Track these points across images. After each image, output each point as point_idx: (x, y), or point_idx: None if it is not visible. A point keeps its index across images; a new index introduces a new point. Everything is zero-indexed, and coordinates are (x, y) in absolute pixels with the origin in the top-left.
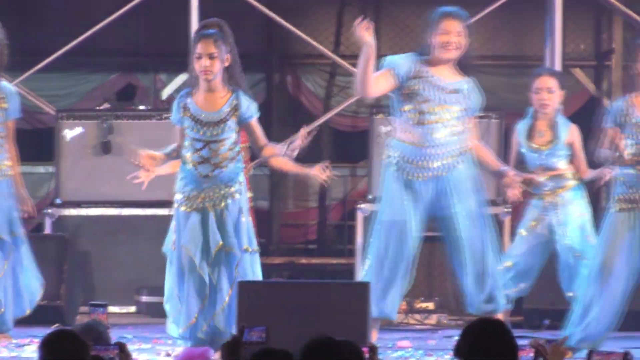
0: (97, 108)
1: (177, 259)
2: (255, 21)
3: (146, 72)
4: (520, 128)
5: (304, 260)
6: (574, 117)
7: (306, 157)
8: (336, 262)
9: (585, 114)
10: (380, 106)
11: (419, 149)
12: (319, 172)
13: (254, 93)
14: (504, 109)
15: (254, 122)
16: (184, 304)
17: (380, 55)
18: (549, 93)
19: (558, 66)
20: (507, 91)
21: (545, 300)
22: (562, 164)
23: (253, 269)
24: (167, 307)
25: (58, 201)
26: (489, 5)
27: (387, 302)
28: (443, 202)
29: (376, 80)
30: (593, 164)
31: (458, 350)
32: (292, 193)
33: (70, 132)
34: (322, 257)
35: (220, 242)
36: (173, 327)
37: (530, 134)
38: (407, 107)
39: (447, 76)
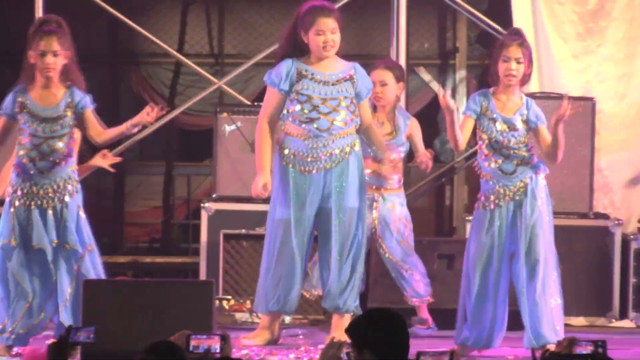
0: None
1: (19, 254)
2: (100, 20)
3: None
4: None
5: (148, 259)
6: (418, 116)
7: (152, 155)
8: (181, 260)
9: (430, 113)
10: (224, 105)
11: (309, 142)
12: (101, 161)
13: (99, 92)
14: None
15: (90, 111)
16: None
17: (225, 55)
18: (381, 86)
19: (402, 64)
20: None
21: (389, 299)
22: (394, 159)
23: (94, 266)
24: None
25: None
26: (334, 3)
27: (284, 298)
28: (327, 196)
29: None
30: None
31: (350, 330)
32: (137, 192)
33: None
34: (166, 256)
35: (56, 241)
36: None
37: None
38: (296, 107)
39: (328, 68)
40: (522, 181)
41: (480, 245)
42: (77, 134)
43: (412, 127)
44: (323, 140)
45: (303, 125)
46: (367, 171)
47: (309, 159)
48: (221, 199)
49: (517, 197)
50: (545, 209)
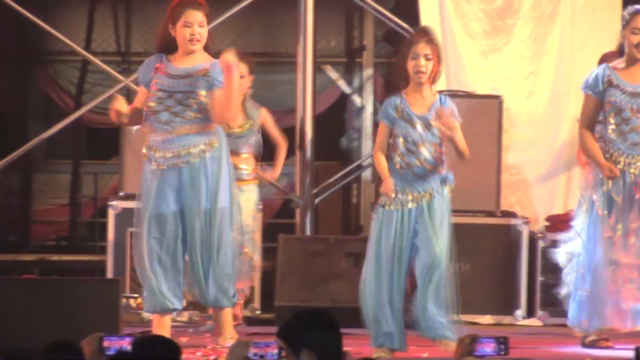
0: None
1: None
2: (7, 18)
3: None
4: None
5: (55, 257)
6: (325, 114)
7: (59, 153)
8: (88, 259)
9: (336, 111)
10: (131, 103)
11: (167, 139)
12: None
13: (6, 90)
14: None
15: None
16: None
17: (132, 53)
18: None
19: (309, 63)
20: (259, 88)
21: (297, 297)
22: (248, 151)
23: None
24: None
25: None
26: (241, 2)
27: (167, 294)
28: (185, 194)
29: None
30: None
31: (283, 333)
32: (44, 190)
33: None
34: (73, 254)
35: None
36: None
37: None
38: (150, 103)
39: (187, 63)
40: (430, 188)
41: (382, 244)
42: None
43: (264, 117)
44: (173, 137)
45: (154, 121)
46: None
47: (164, 156)
48: (128, 197)
49: (419, 203)
50: (443, 224)
